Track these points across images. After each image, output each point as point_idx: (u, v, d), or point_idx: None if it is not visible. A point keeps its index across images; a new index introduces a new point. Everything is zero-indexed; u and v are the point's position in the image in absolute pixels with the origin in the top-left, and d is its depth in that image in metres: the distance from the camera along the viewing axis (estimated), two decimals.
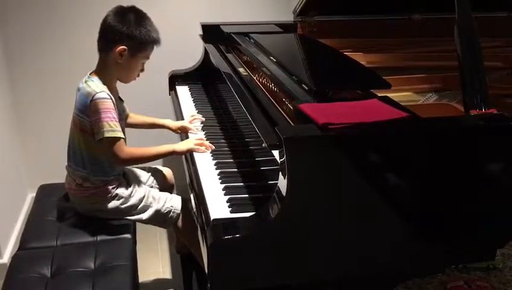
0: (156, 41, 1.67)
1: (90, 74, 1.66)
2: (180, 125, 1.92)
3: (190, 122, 1.92)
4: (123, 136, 1.62)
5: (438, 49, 2.14)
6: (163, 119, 1.99)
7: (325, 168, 1.16)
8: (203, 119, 1.94)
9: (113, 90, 1.69)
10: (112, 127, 1.57)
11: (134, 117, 1.95)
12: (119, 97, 1.78)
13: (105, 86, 1.62)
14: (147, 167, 1.98)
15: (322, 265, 1.23)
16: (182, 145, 1.71)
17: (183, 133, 1.90)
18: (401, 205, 1.23)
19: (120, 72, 1.67)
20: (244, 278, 1.20)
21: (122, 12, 1.63)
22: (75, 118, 1.66)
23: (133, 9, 1.65)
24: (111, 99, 1.59)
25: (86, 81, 1.63)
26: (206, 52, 2.35)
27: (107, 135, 1.56)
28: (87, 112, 1.59)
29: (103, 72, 1.66)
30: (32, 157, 2.61)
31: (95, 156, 1.66)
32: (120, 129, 1.60)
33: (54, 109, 2.55)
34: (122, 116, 1.77)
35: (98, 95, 1.57)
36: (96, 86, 1.60)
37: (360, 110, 1.25)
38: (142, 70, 1.72)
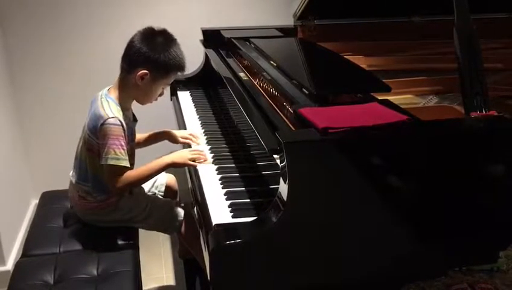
0: (180, 68, 1.63)
1: (108, 90, 1.63)
2: (181, 135, 1.85)
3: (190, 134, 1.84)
4: (127, 165, 1.57)
5: (438, 52, 2.14)
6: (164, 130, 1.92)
7: (325, 172, 1.16)
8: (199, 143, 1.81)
9: (128, 109, 1.68)
10: (117, 155, 1.54)
11: (138, 138, 1.88)
12: (134, 117, 1.75)
13: (119, 109, 1.59)
14: None
15: (323, 269, 1.23)
16: (176, 158, 1.64)
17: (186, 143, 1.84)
18: (403, 207, 1.23)
19: (138, 94, 1.64)
20: (247, 283, 1.20)
21: (150, 35, 1.59)
22: (85, 135, 1.63)
23: (163, 33, 1.61)
24: (122, 126, 1.56)
25: (101, 98, 1.60)
26: (206, 58, 2.36)
27: (110, 162, 1.54)
28: (96, 134, 1.57)
29: (121, 90, 1.63)
30: (36, 164, 2.62)
31: (98, 175, 1.65)
32: (126, 158, 1.56)
33: (58, 115, 2.56)
34: (133, 138, 1.74)
35: (109, 121, 1.54)
36: (110, 110, 1.56)
37: (360, 113, 1.26)
38: (162, 94, 1.68)
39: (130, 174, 1.61)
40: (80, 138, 1.70)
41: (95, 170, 1.65)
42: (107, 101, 1.59)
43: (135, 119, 1.76)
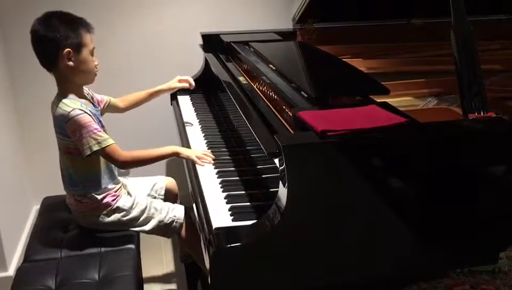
0: (87, 27, 1.63)
1: (56, 96, 1.64)
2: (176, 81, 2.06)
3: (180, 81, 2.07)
4: (112, 142, 1.59)
5: (437, 54, 2.15)
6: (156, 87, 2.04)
7: (324, 175, 1.16)
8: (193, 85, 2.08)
9: (84, 98, 1.68)
10: (97, 139, 1.56)
11: (127, 99, 1.97)
12: (93, 104, 1.74)
13: (74, 101, 1.60)
14: (150, 178, 1.99)
15: (323, 272, 1.23)
16: (185, 150, 1.70)
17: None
18: (403, 209, 1.23)
19: (78, 74, 1.63)
20: (247, 286, 1.20)
21: (45, 22, 1.59)
22: (58, 141, 1.65)
23: (51, 14, 1.60)
24: (85, 112, 1.57)
25: (55, 104, 1.61)
26: (206, 62, 2.36)
27: (95, 148, 1.56)
28: (67, 134, 1.59)
29: (64, 84, 1.63)
30: (37, 169, 2.63)
31: (85, 174, 1.66)
32: (106, 137, 1.59)
33: None
34: (102, 125, 1.72)
35: (70, 114, 1.55)
36: (67, 106, 1.58)
37: (358, 116, 1.26)
38: (96, 62, 1.66)
39: (136, 152, 1.65)
40: (58, 152, 1.71)
41: (81, 170, 1.66)
42: (61, 102, 1.60)
43: (95, 106, 1.75)
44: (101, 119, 1.72)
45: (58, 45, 1.57)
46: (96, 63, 1.66)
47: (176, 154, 1.68)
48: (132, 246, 1.68)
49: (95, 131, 1.56)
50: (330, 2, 2.19)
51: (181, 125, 2.07)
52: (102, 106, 1.85)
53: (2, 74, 2.38)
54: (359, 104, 1.35)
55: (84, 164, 1.64)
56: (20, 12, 2.40)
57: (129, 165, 1.68)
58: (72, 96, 1.62)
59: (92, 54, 1.64)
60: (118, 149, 1.61)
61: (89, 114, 1.58)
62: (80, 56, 1.60)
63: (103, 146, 1.57)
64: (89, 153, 1.56)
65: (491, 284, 2.07)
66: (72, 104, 1.58)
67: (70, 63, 1.59)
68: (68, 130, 1.57)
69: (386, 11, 2.28)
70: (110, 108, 1.91)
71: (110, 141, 1.59)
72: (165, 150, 1.68)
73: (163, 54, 2.61)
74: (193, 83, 2.09)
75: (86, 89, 1.74)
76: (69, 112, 1.56)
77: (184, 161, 1.80)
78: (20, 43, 2.43)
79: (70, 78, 1.63)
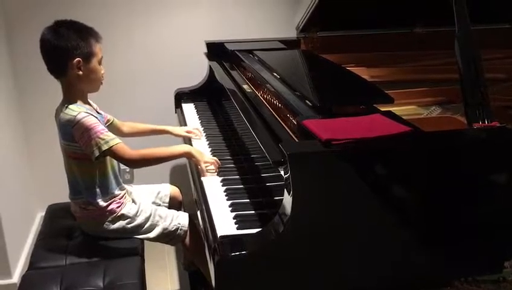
0: (96, 37, 1.65)
1: (61, 103, 1.66)
2: (183, 131, 2.01)
3: (187, 132, 2.01)
4: (119, 141, 1.61)
5: (441, 62, 2.15)
6: (165, 125, 2.05)
7: (329, 184, 1.16)
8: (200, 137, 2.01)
9: (89, 105, 1.70)
10: (105, 139, 1.58)
11: (132, 126, 1.99)
12: (97, 111, 1.76)
13: (79, 106, 1.62)
14: (155, 185, 2.00)
15: (327, 280, 1.23)
16: (195, 151, 1.71)
17: (186, 138, 1.99)
18: (407, 218, 1.24)
19: (86, 83, 1.65)
20: None
21: (54, 31, 1.60)
22: (65, 148, 1.66)
23: (60, 23, 1.62)
24: (91, 114, 1.60)
25: (60, 111, 1.63)
26: (210, 70, 2.38)
27: (104, 148, 1.57)
28: (74, 139, 1.60)
29: (71, 92, 1.64)
30: (41, 177, 2.64)
31: (92, 180, 1.67)
32: (113, 136, 1.60)
33: None
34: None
35: (77, 118, 1.57)
36: (73, 110, 1.59)
37: (363, 125, 1.26)
38: (103, 70, 1.68)
39: (145, 150, 1.65)
40: (63, 157, 1.71)
41: (89, 176, 1.67)
42: (66, 108, 1.61)
43: (99, 114, 1.77)
44: (104, 126, 1.72)
45: (69, 54, 1.59)
46: (103, 72, 1.68)
47: (188, 155, 1.69)
48: (137, 253, 1.68)
49: (102, 131, 1.58)
50: (334, 12, 2.20)
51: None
52: (104, 121, 1.85)
53: (8, 78, 2.40)
54: (363, 113, 1.36)
55: (92, 169, 1.65)
56: (26, 16, 2.41)
57: (138, 163, 1.68)
58: (78, 102, 1.64)
59: (100, 63, 1.67)
60: (126, 147, 1.62)
61: (94, 116, 1.60)
62: (89, 65, 1.63)
63: (111, 145, 1.58)
64: (97, 154, 1.57)
65: None
66: (77, 109, 1.60)
67: (80, 72, 1.61)
68: (75, 134, 1.59)
69: (389, 20, 2.29)
70: (111, 127, 1.90)
71: (118, 140, 1.61)
72: (177, 148, 1.70)
73: (168, 62, 2.62)
74: (199, 134, 2.03)
75: (90, 102, 1.75)
76: (75, 116, 1.58)
77: (188, 168, 1.80)
78: (26, 48, 2.45)
79: (78, 86, 1.64)
